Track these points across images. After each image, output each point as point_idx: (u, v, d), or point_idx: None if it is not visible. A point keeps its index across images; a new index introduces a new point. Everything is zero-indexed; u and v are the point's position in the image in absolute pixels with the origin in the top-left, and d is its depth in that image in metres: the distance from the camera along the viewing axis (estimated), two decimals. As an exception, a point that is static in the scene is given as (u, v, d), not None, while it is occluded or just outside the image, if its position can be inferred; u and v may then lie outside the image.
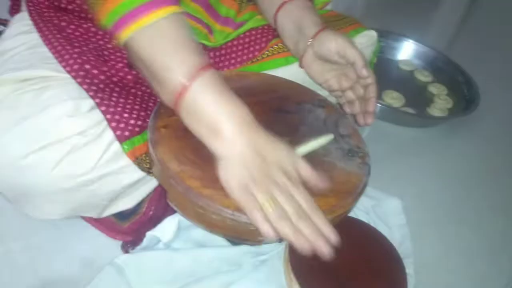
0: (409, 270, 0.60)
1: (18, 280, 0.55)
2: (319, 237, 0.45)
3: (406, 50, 1.25)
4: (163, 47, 0.45)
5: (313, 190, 0.49)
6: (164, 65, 0.45)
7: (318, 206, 0.47)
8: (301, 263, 0.54)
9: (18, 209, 0.55)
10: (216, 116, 0.45)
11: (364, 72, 0.61)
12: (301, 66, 0.67)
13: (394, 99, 1.06)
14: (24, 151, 0.48)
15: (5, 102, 0.49)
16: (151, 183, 0.60)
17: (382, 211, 0.70)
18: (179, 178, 0.47)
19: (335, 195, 0.50)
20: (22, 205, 0.55)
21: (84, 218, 0.61)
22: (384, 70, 1.15)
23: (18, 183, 0.50)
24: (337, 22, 0.74)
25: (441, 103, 1.10)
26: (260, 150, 0.46)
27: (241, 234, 0.48)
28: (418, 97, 1.12)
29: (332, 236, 0.46)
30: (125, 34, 0.45)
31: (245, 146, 0.45)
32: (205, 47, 0.70)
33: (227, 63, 0.71)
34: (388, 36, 1.23)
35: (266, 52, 0.69)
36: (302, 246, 0.45)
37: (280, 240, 0.58)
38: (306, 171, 0.48)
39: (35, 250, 0.58)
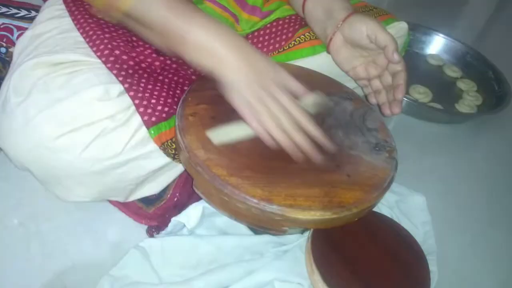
0: (433, 267, 0.59)
1: (49, 260, 0.56)
2: (308, 142, 0.50)
3: (435, 44, 1.22)
4: (156, 5, 0.51)
5: (339, 183, 0.49)
6: (163, 20, 0.51)
7: (310, 118, 0.51)
8: (323, 254, 0.54)
9: (49, 191, 0.57)
10: (217, 47, 0.51)
11: (396, 56, 0.59)
12: (328, 51, 0.66)
13: (421, 94, 1.03)
14: (55, 133, 0.50)
15: (38, 85, 0.51)
16: (176, 170, 0.61)
17: (406, 207, 0.69)
18: (206, 166, 0.48)
19: (361, 189, 0.50)
20: (52, 187, 0.57)
21: (111, 202, 0.63)
22: (411, 64, 1.11)
23: (49, 164, 0.52)
24: (367, 12, 0.72)
25: (470, 99, 1.07)
26: (258, 68, 0.51)
27: (266, 223, 0.48)
28: (446, 93, 1.09)
29: (326, 142, 0.52)
30: (127, 3, 0.50)
31: (244, 66, 0.51)
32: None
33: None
34: (416, 29, 1.20)
35: (293, 41, 0.68)
36: (294, 150, 0.50)
37: (303, 231, 0.58)
38: (296, 86, 0.53)
39: (64, 231, 0.60)
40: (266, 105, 0.50)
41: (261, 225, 0.49)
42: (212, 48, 0.50)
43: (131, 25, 0.55)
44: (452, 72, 1.16)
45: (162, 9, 0.50)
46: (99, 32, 0.56)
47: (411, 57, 1.17)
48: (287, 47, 0.68)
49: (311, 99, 0.55)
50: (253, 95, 0.50)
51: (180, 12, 0.51)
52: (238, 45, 0.51)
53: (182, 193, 0.64)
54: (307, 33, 0.68)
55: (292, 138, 0.50)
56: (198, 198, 0.59)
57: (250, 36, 0.71)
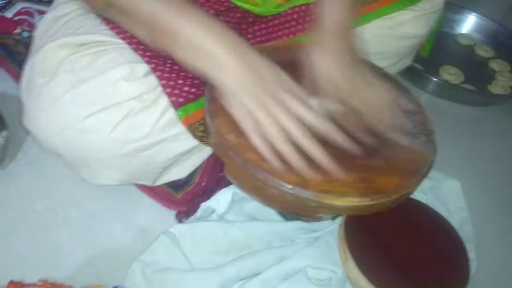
0: (471, 254, 0.57)
1: (79, 247, 0.56)
2: (323, 152, 0.44)
3: (466, 23, 1.17)
4: None
5: (376, 168, 0.47)
6: (150, 10, 0.46)
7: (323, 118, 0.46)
8: (357, 241, 0.53)
9: (76, 174, 0.57)
10: (208, 44, 0.45)
11: None
12: None
13: (452, 75, 0.99)
14: (83, 113, 0.49)
15: (63, 65, 0.50)
16: (203, 153, 0.60)
17: (441, 192, 0.66)
18: (237, 151, 0.46)
19: (399, 175, 0.48)
20: (80, 170, 0.56)
21: (139, 187, 0.62)
22: (441, 45, 1.08)
23: (77, 146, 0.51)
24: None
25: (503, 80, 1.02)
26: (254, 68, 0.46)
27: (300, 210, 0.47)
28: (478, 74, 1.04)
29: (354, 148, 0.46)
30: None
31: (239, 66, 0.45)
32: (255, 17, 0.67)
33: (280, 33, 0.68)
34: (446, 7, 1.14)
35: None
36: (303, 168, 0.44)
37: (334, 217, 0.57)
38: (297, 87, 0.48)
39: (92, 217, 0.59)
40: (272, 114, 0.44)
41: (295, 211, 0.48)
42: (206, 46, 0.45)
43: (116, 17, 0.50)
44: (484, 52, 1.11)
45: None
46: None
47: (441, 37, 1.12)
48: (317, 27, 0.66)
49: (318, 105, 0.49)
50: (256, 102, 0.45)
51: (172, 4, 0.46)
52: (235, 45, 0.46)
53: (210, 178, 0.63)
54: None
55: (309, 153, 0.44)
56: (227, 184, 0.58)
57: (278, 16, 0.68)
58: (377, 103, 0.51)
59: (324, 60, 0.51)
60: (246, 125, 0.45)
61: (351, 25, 0.54)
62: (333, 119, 0.48)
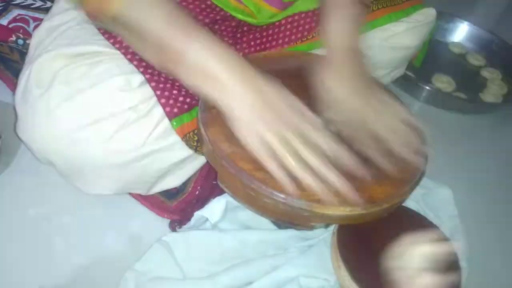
0: (462, 262, 0.57)
1: (72, 254, 0.56)
2: (344, 180, 0.44)
3: (458, 32, 1.18)
4: (152, 11, 0.45)
5: (368, 178, 0.47)
6: (157, 29, 0.45)
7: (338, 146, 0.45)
8: (349, 249, 0.53)
9: (70, 184, 0.57)
10: (215, 68, 0.45)
11: None
12: None
13: (444, 83, 1.00)
14: (77, 124, 0.49)
15: (58, 76, 0.50)
16: (197, 162, 0.61)
17: (432, 200, 0.67)
18: (231, 160, 0.46)
19: (392, 183, 0.48)
20: (74, 180, 0.56)
21: (133, 195, 0.62)
22: (434, 53, 1.09)
23: (71, 156, 0.51)
24: None
25: (495, 88, 1.03)
26: (264, 94, 0.45)
27: (293, 219, 0.47)
28: (470, 82, 1.05)
29: (361, 171, 0.45)
30: (116, 4, 0.45)
31: (248, 92, 0.45)
32: (250, 26, 0.68)
33: (274, 43, 0.69)
34: (438, 16, 1.16)
35: (317, 30, 0.66)
36: (327, 195, 0.43)
37: (327, 225, 0.57)
38: (310, 114, 0.47)
39: (86, 225, 0.59)
40: (288, 142, 0.44)
41: (288, 220, 0.48)
42: (212, 71, 0.45)
43: (123, 34, 0.50)
44: (476, 60, 1.13)
45: (160, 19, 0.45)
46: None
47: (433, 45, 1.13)
48: (311, 37, 0.66)
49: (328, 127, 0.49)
50: (269, 130, 0.44)
51: (180, 26, 0.45)
52: (243, 70, 0.46)
53: (204, 187, 0.64)
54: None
55: (326, 179, 0.44)
56: (220, 192, 0.59)
57: (271, 26, 0.69)
58: (395, 124, 0.52)
59: (337, 87, 0.51)
60: (261, 153, 0.44)
61: (359, 42, 0.54)
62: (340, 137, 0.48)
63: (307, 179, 0.43)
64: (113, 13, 0.45)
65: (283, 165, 0.44)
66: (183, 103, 0.53)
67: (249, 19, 0.66)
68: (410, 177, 0.50)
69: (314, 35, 0.66)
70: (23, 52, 0.78)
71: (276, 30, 0.69)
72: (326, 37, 0.55)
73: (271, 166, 0.44)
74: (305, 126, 0.45)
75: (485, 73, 1.09)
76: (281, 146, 0.44)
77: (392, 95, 0.59)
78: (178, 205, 0.62)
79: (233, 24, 0.67)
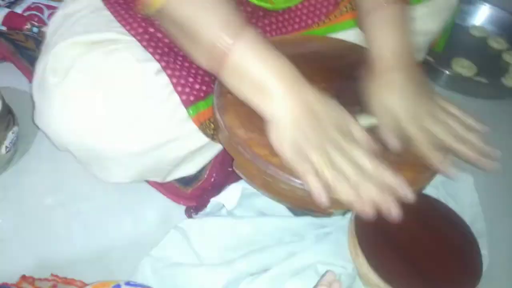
0: (483, 250, 0.56)
1: (90, 241, 0.57)
2: (386, 196, 0.42)
3: (479, 15, 1.14)
4: (202, 7, 0.44)
5: (389, 163, 0.46)
6: (204, 27, 0.44)
7: (382, 164, 0.43)
8: (367, 236, 0.52)
9: (88, 171, 0.57)
10: (263, 74, 0.44)
11: None
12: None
13: (464, 67, 0.97)
14: (94, 113, 0.49)
15: (74, 65, 0.50)
16: (213, 150, 0.60)
17: (453, 187, 0.65)
18: (247, 146, 0.46)
19: (412, 169, 0.47)
20: (92, 167, 0.57)
21: (149, 182, 0.62)
22: (454, 37, 1.06)
23: (89, 145, 0.51)
24: None
25: (517, 73, 1.00)
26: (311, 107, 0.44)
27: (310, 205, 0.46)
28: (491, 66, 1.02)
29: (406, 190, 0.43)
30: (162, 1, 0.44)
31: (295, 103, 0.43)
32: (266, 11, 0.67)
33: (290, 28, 0.67)
34: (459, -1, 1.12)
35: (334, 14, 0.65)
36: (365, 209, 0.42)
37: (344, 212, 0.56)
38: (360, 133, 0.45)
39: (104, 212, 0.60)
40: (331, 160, 0.42)
41: (305, 207, 0.47)
42: (261, 77, 0.43)
43: (168, 27, 0.49)
44: (497, 44, 1.09)
45: (212, 19, 0.44)
46: (131, 11, 0.54)
47: (453, 29, 1.10)
48: (328, 20, 0.65)
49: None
50: (312, 148, 0.42)
51: (230, 25, 0.44)
52: (293, 78, 0.44)
53: (219, 174, 0.63)
54: (348, 4, 0.64)
55: (362, 192, 0.42)
56: (236, 179, 0.58)
57: (287, 11, 0.68)
58: (459, 130, 0.51)
59: (388, 98, 0.49)
60: (302, 168, 0.43)
61: (407, 46, 0.52)
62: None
63: (342, 189, 0.42)
64: (159, 5, 0.45)
65: (320, 178, 0.42)
66: (199, 90, 0.52)
67: (265, 4, 0.64)
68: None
69: (331, 18, 0.65)
70: (38, 40, 0.79)
71: (292, 14, 0.68)
72: (371, 45, 0.53)
73: (311, 182, 0.42)
74: (349, 146, 0.43)
75: (507, 56, 1.06)
76: (324, 164, 0.42)
77: (446, 99, 0.56)
78: (193, 192, 0.62)
79: (249, 9, 0.66)
